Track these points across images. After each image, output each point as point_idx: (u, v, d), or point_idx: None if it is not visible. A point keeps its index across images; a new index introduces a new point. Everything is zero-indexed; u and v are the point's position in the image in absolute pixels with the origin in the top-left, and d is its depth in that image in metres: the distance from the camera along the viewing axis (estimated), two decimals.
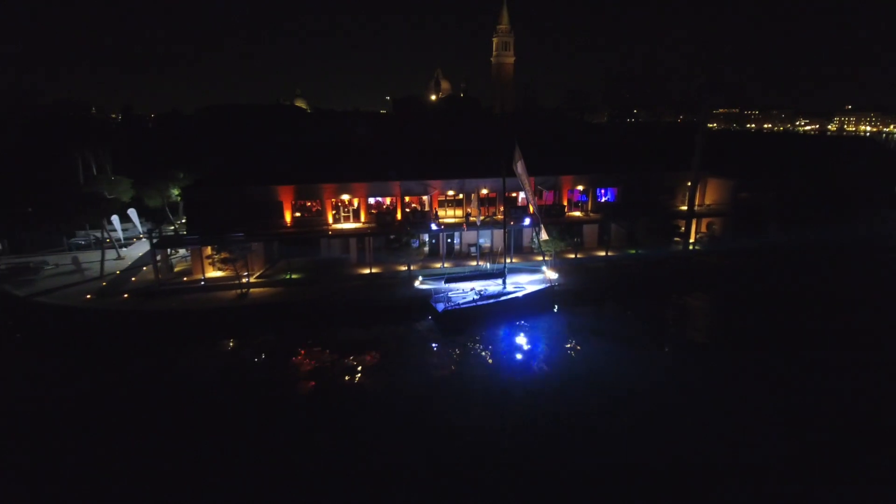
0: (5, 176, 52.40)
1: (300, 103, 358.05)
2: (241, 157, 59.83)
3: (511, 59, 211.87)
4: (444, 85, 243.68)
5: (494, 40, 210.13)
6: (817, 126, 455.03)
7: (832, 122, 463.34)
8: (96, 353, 33.39)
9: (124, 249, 50.98)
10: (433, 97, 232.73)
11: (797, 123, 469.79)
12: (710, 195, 52.17)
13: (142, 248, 52.14)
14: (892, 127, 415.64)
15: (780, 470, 22.51)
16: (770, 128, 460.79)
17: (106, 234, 47.56)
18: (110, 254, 48.35)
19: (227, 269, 39.52)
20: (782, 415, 26.57)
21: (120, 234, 51.19)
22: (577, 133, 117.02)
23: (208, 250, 40.00)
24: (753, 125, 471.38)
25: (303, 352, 33.28)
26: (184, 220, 56.64)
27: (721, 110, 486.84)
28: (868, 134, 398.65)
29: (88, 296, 38.58)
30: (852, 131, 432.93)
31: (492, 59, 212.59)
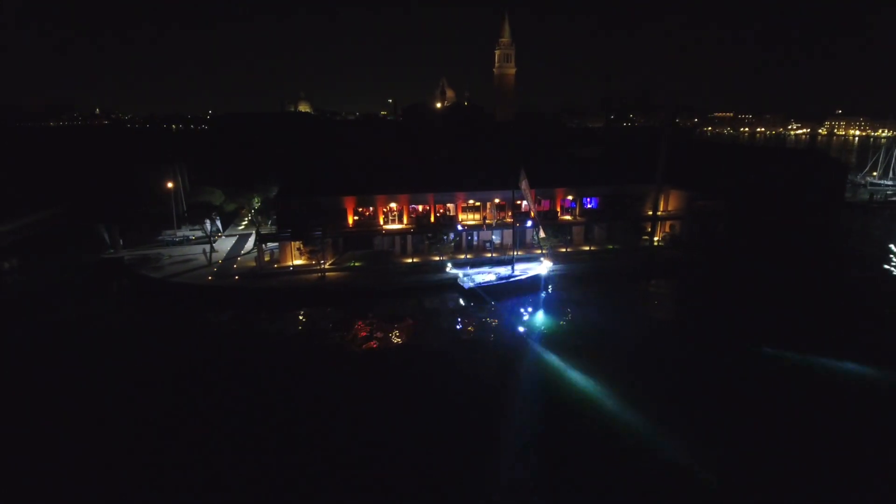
0: (120, 183, 66.98)
1: (304, 107, 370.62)
2: (297, 170, 73.93)
3: (512, 70, 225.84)
4: (449, 93, 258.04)
5: (496, 52, 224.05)
6: (808, 130, 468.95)
7: (823, 126, 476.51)
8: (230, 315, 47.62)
9: (215, 244, 64.99)
10: (438, 105, 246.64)
11: (789, 127, 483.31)
12: (672, 203, 66.45)
13: (227, 243, 66.28)
14: (879, 131, 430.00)
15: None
16: (763, 131, 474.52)
17: (202, 232, 61.73)
18: (193, 248, 61.53)
19: (312, 259, 53.71)
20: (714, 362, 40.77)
21: (210, 232, 65.27)
22: (574, 139, 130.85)
23: (296, 244, 54.29)
24: (747, 129, 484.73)
25: (364, 318, 46.57)
26: (248, 220, 71.07)
27: (716, 114, 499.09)
28: (856, 138, 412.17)
29: (210, 277, 52.84)
30: (842, 135, 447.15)
31: (494, 69, 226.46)
